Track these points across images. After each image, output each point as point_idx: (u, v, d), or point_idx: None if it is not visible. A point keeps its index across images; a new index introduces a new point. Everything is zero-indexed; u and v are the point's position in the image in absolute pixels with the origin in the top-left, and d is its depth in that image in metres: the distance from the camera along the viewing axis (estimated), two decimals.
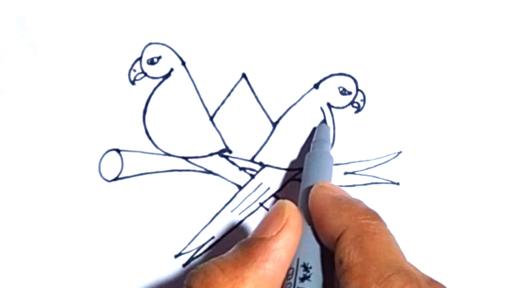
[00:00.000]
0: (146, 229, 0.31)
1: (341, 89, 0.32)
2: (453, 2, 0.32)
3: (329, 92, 0.32)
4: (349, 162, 0.32)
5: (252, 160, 0.32)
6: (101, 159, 0.32)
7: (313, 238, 0.25)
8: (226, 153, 0.32)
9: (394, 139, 0.32)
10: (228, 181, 0.32)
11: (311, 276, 0.23)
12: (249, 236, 0.24)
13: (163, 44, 0.32)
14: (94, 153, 0.32)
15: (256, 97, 0.32)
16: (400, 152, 0.32)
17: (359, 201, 0.25)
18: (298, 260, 0.24)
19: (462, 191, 0.32)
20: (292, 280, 0.23)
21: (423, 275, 0.22)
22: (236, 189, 0.32)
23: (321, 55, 0.32)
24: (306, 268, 0.23)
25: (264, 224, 0.24)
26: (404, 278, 0.21)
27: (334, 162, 0.32)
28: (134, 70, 0.32)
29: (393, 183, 0.32)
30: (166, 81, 0.32)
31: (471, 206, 0.31)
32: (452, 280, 0.31)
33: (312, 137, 0.31)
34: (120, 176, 0.32)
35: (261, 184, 0.32)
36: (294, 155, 0.32)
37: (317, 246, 0.24)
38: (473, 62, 0.32)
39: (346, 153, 0.32)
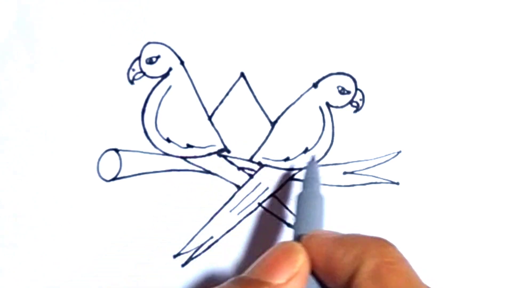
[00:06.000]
0: (144, 229, 0.31)
1: (340, 88, 0.32)
2: (453, 2, 0.32)
3: (328, 91, 0.32)
4: (348, 162, 0.32)
5: (250, 160, 0.32)
6: (99, 159, 0.32)
7: (316, 286, 0.23)
8: (225, 153, 0.32)
9: (394, 139, 0.32)
10: (227, 181, 0.32)
11: None
12: (249, 272, 0.22)
13: (161, 44, 0.32)
14: (93, 152, 0.32)
15: (254, 96, 0.32)
16: (400, 151, 0.32)
17: (359, 234, 0.23)
18: None
19: (462, 191, 0.31)
20: None
21: None
22: (235, 189, 0.32)
23: (320, 54, 0.32)
24: None
25: (271, 266, 0.22)
26: None
27: (333, 162, 0.32)
28: (133, 70, 0.32)
29: (392, 182, 0.32)
30: (165, 80, 0.32)
31: (470, 205, 0.31)
32: (452, 280, 0.31)
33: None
34: (118, 176, 0.32)
35: (259, 184, 0.32)
36: (292, 154, 0.32)
37: None
38: (473, 61, 0.32)
39: (345, 153, 0.32)
